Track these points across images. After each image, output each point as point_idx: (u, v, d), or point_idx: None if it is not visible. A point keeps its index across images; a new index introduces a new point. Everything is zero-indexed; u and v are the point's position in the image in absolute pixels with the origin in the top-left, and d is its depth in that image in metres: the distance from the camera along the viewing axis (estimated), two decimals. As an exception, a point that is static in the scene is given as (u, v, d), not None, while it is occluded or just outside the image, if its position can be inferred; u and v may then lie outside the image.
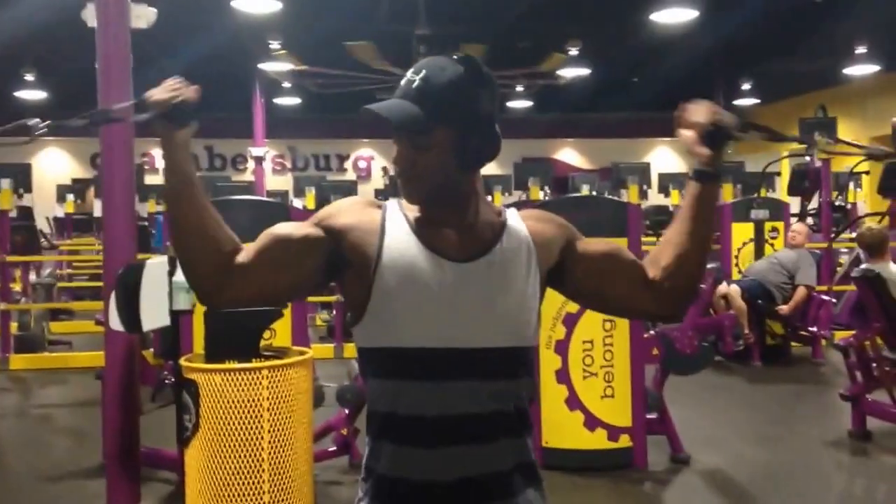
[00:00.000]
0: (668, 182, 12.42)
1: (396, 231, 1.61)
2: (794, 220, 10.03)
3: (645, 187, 10.59)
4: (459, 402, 1.57)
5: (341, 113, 19.21)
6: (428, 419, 1.57)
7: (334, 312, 9.47)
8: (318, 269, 1.62)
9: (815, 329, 8.47)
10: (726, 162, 13.67)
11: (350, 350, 8.58)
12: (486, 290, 1.59)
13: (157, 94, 1.56)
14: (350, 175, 20.81)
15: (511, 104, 18.57)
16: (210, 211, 1.58)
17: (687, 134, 1.67)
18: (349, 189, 10.51)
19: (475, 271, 1.60)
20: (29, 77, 15.90)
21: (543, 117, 19.61)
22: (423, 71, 1.59)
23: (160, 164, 22.18)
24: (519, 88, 17.07)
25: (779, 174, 12.93)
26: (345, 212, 1.65)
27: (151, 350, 6.95)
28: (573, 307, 4.96)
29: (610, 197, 9.06)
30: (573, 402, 5.08)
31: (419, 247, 1.59)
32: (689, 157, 1.68)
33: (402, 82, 1.61)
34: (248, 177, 18.84)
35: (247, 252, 1.60)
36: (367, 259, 1.59)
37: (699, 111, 1.67)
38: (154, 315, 4.34)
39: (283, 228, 1.64)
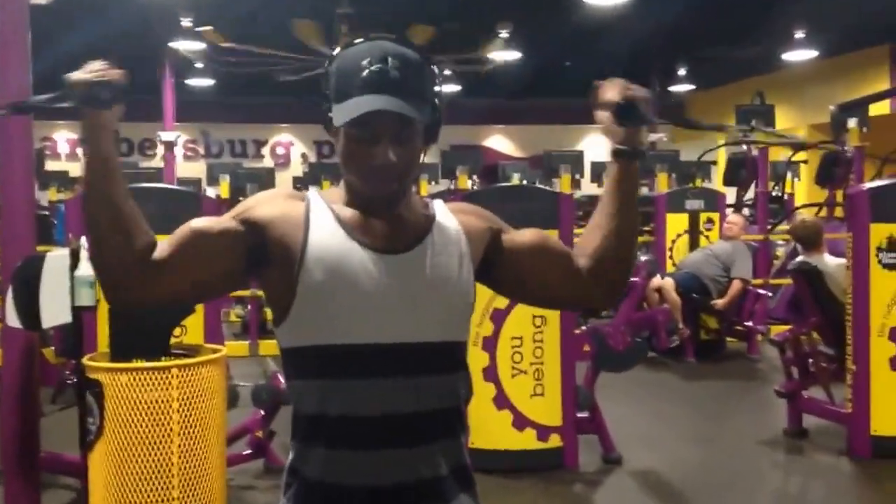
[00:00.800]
0: (602, 170, 12.57)
1: (322, 224, 1.62)
2: (729, 210, 10.24)
3: (577, 176, 10.70)
4: (396, 399, 1.59)
5: (258, 95, 19.08)
6: (364, 419, 1.58)
7: (249, 308, 9.40)
8: (237, 266, 1.62)
9: (750, 324, 8.68)
10: (659, 150, 13.94)
11: (266, 347, 8.54)
12: (419, 282, 1.61)
13: (77, 75, 1.54)
14: (268, 162, 20.60)
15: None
16: (129, 202, 1.56)
17: (601, 114, 1.70)
18: (266, 177, 10.41)
19: (407, 264, 1.62)
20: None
21: (473, 103, 19.61)
22: (392, 60, 1.58)
23: (63, 148, 21.67)
24: (447, 73, 17.11)
25: (714, 163, 13.18)
26: (265, 204, 1.64)
27: (52, 348, 6.82)
28: (501, 302, 5.02)
29: (541, 186, 9.16)
30: (501, 400, 5.14)
31: (347, 240, 1.61)
32: (608, 138, 1.71)
33: (371, 73, 1.58)
34: (157, 163, 18.49)
35: (162, 248, 1.59)
36: (292, 254, 1.59)
37: (611, 89, 1.69)
38: (55, 311, 4.27)
39: (201, 223, 1.63)
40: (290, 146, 21.51)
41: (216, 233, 1.61)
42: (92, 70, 1.55)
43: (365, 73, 1.58)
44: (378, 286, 1.59)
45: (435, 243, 1.65)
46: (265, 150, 21.47)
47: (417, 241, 1.64)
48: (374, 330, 1.59)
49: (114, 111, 1.56)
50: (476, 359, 5.05)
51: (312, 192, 1.70)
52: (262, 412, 5.03)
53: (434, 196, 1.86)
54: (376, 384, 1.59)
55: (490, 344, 5.13)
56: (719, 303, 8.47)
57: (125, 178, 1.60)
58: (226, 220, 1.64)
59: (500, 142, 22.37)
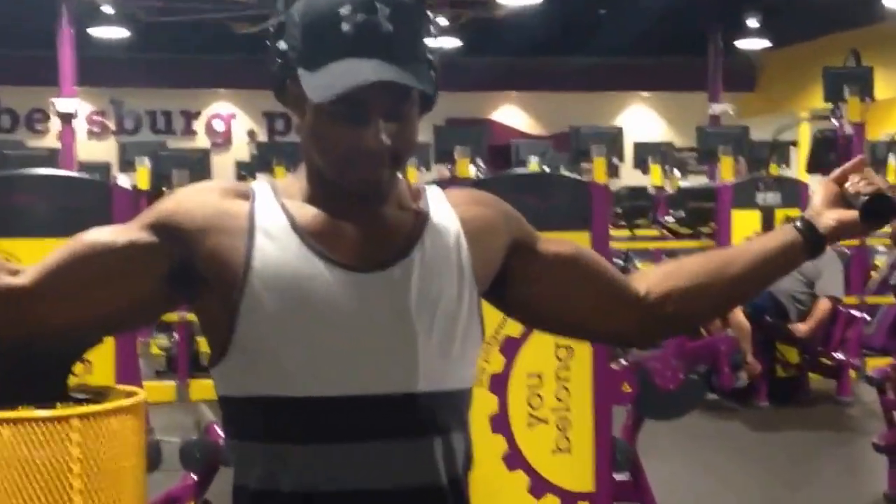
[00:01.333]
0: (648, 154, 12.60)
1: (272, 230, 1.61)
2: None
3: (615, 161, 10.73)
4: (371, 471, 1.59)
5: (189, 51, 19.06)
6: (324, 498, 1.58)
7: (176, 337, 9.36)
8: (154, 291, 1.62)
9: (841, 356, 8.68)
10: (722, 126, 13.95)
11: (200, 389, 8.50)
12: (403, 310, 1.60)
13: None
14: (201, 140, 20.64)
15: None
16: None
17: (844, 212, 1.75)
18: (199, 161, 10.38)
19: (387, 285, 1.61)
20: None
21: (477, 62, 19.65)
22: (380, 5, 1.55)
23: None
24: (443, 21, 17.13)
25: (795, 143, 13.22)
26: (193, 204, 1.63)
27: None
28: (515, 329, 4.99)
29: (567, 174, 9.15)
30: (514, 458, 5.11)
31: (305, 252, 1.60)
32: (818, 210, 1.77)
33: (355, 28, 1.54)
34: (50, 142, 18.45)
35: (35, 272, 1.58)
36: (230, 273, 1.59)
37: (856, 177, 1.76)
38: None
39: (99, 235, 1.62)
40: (232, 119, 21.52)
41: (118, 248, 1.60)
42: None
43: (346, 26, 1.54)
44: (346, 317, 1.58)
45: (427, 255, 1.64)
46: (198, 125, 21.47)
47: (403, 251, 1.63)
48: (341, 378, 1.58)
49: None
50: (481, 403, 5.01)
51: (260, 183, 1.68)
52: (194, 476, 5.00)
53: (430, 184, 1.85)
54: (343, 451, 1.58)
55: (499, 384, 5.10)
56: (801, 328, 8.47)
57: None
58: (135, 230, 1.62)
59: (512, 114, 22.42)
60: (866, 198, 1.71)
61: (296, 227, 1.61)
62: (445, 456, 1.63)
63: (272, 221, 1.61)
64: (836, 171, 1.78)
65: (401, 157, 1.61)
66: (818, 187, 1.79)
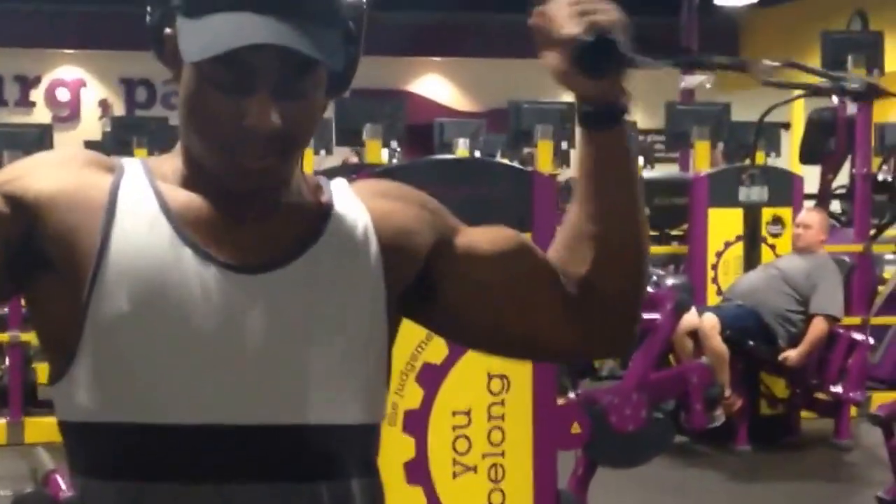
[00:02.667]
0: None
1: (137, 213, 1.61)
2: (809, 204, 10.35)
3: (564, 145, 10.74)
4: None
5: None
6: None
7: (7, 362, 9.24)
8: None
9: (840, 389, 8.73)
10: (697, 103, 14.05)
11: (36, 429, 8.43)
12: (292, 321, 1.62)
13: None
14: (41, 114, 20.35)
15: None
16: None
17: (551, 56, 1.71)
18: (38, 139, 10.26)
19: (274, 290, 1.62)
20: None
21: (392, 19, 19.62)
22: None
23: None
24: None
25: (787, 126, 13.32)
26: (45, 171, 1.63)
27: None
28: (436, 354, 5.01)
29: (503, 161, 9.13)
30: (434, 516, 5.14)
31: (176, 243, 1.60)
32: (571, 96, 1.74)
33: None
34: None
35: None
36: (82, 256, 1.59)
37: (564, 16, 1.67)
38: None
39: None
40: (81, 87, 21.27)
41: None
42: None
43: None
44: (221, 327, 1.59)
45: (326, 255, 1.65)
46: (37, 94, 21.20)
47: (297, 250, 1.64)
48: (212, 402, 1.58)
49: None
50: (394, 446, 5.03)
51: (131, 160, 1.69)
52: (29, 537, 4.98)
53: (330, 174, 1.86)
54: (211, 495, 1.58)
55: (417, 423, 5.11)
56: (792, 355, 8.53)
57: None
58: None
59: (436, 85, 22.40)
60: (581, 41, 1.65)
61: (165, 209, 1.62)
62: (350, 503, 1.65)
63: (139, 203, 1.62)
64: (540, 34, 1.72)
65: (294, 144, 1.61)
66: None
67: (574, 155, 2.00)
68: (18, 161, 1.68)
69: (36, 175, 1.62)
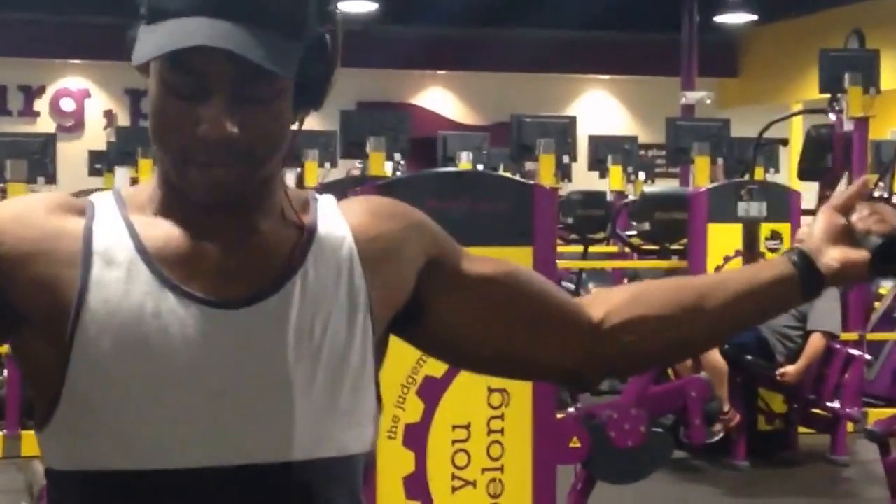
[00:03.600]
0: (607, 151, 12.65)
1: (112, 255, 1.60)
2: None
3: (566, 159, 10.77)
4: None
5: (31, 9, 18.82)
6: None
7: (5, 374, 9.27)
8: None
9: (837, 405, 8.74)
10: (698, 119, 14.08)
11: (34, 442, 8.39)
12: (276, 356, 1.60)
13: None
14: (45, 124, 20.46)
15: (343, 5, 18.54)
16: None
17: (849, 252, 1.76)
18: (42, 150, 10.26)
19: (257, 324, 1.61)
20: None
21: (397, 32, 19.70)
22: None
23: None
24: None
25: (785, 142, 13.37)
26: (15, 225, 1.61)
27: None
28: (437, 368, 4.99)
29: (506, 174, 9.13)
30: (433, 531, 5.11)
31: (152, 283, 1.59)
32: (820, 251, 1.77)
33: None
34: None
35: None
36: (59, 311, 1.58)
37: (868, 213, 1.76)
38: None
39: None
40: (86, 98, 21.41)
41: None
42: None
43: None
44: (205, 367, 1.58)
45: (310, 284, 1.64)
46: (41, 104, 21.34)
47: (279, 281, 1.63)
48: (198, 445, 1.57)
49: None
50: (394, 460, 5.01)
51: (101, 196, 1.66)
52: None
53: (322, 190, 1.83)
54: None
55: (417, 436, 5.08)
56: (789, 370, 8.53)
57: None
58: None
59: (440, 99, 22.56)
60: (880, 241, 1.72)
61: (142, 250, 1.60)
62: None
63: (113, 244, 1.60)
64: (841, 198, 1.78)
65: (260, 156, 1.59)
66: (819, 215, 1.79)
67: (761, 265, 2.01)
68: None
69: (7, 229, 1.60)
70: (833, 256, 1.75)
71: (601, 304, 1.78)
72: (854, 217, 1.77)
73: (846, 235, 1.76)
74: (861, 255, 1.74)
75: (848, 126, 10.62)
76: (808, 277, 1.77)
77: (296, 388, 1.59)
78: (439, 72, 22.26)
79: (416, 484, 5.10)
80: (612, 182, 12.65)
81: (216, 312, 1.58)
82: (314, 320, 1.61)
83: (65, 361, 1.56)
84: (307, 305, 1.62)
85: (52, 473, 1.64)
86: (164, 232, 1.61)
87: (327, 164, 11.86)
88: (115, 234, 1.61)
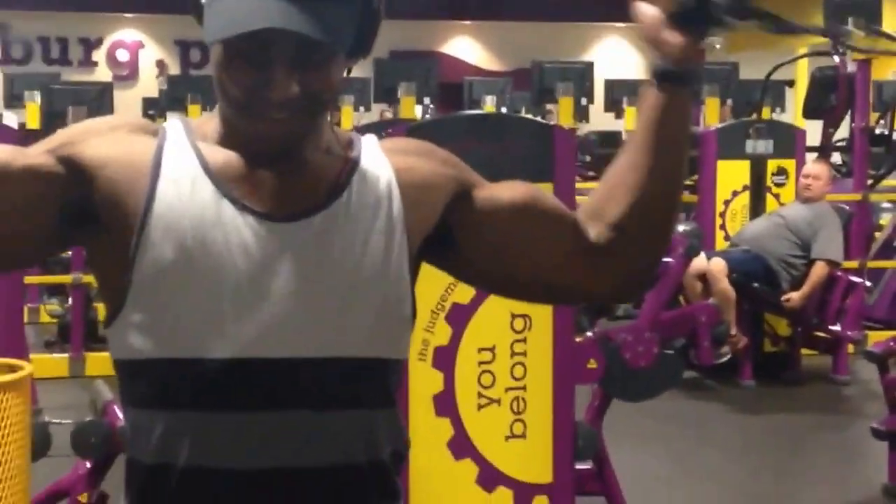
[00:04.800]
0: (622, 93, 12.59)
1: (179, 171, 1.64)
2: (811, 157, 10.31)
3: (584, 101, 10.74)
4: (277, 446, 1.61)
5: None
6: (225, 475, 1.61)
7: (70, 301, 9.33)
8: (45, 222, 1.64)
9: (838, 328, 8.73)
10: (708, 63, 13.96)
11: (97, 363, 8.48)
12: (321, 264, 1.63)
13: None
14: (103, 73, 20.48)
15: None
16: None
17: (648, 13, 1.71)
18: (100, 96, 10.31)
19: (305, 236, 1.64)
20: None
21: (424, -14, 19.61)
22: None
23: None
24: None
25: (791, 84, 13.26)
26: (97, 137, 1.66)
27: None
28: (464, 294, 5.00)
29: (527, 116, 9.11)
30: (462, 445, 5.13)
31: (215, 196, 1.63)
32: (649, 50, 1.73)
33: None
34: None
35: None
36: (129, 216, 1.62)
37: None
38: None
39: None
40: (139, 49, 21.38)
41: (17, 170, 1.62)
42: None
43: None
44: (258, 270, 1.61)
45: (353, 206, 1.67)
46: (99, 55, 21.31)
47: (326, 201, 1.66)
48: (248, 338, 1.60)
49: None
50: (424, 380, 5.04)
51: (172, 122, 1.72)
52: (89, 464, 4.99)
53: (362, 130, 1.87)
54: (246, 421, 1.61)
55: (445, 358, 5.11)
56: (794, 296, 8.53)
57: None
58: (35, 153, 1.65)
59: (466, 47, 22.42)
60: (684, 4, 1.67)
61: (206, 167, 1.65)
62: (363, 434, 1.66)
63: (180, 162, 1.65)
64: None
65: (317, 107, 1.64)
66: (642, 33, 1.74)
67: (639, 108, 1.98)
68: (72, 126, 1.71)
69: (89, 141, 1.66)
70: (662, 43, 1.70)
71: (589, 227, 1.76)
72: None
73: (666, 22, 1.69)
74: (677, 34, 1.69)
75: (851, 67, 10.56)
76: (669, 82, 1.71)
77: (338, 292, 1.63)
78: (465, 22, 22.13)
79: (445, 402, 5.13)
80: (627, 123, 12.55)
81: (269, 224, 1.62)
82: (355, 236, 1.65)
83: (132, 263, 1.60)
84: (350, 223, 1.65)
85: (119, 364, 1.67)
86: (225, 156, 1.66)
87: (361, 109, 11.87)
88: (182, 154, 1.65)
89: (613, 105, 12.61)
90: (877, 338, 7.81)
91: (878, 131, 11.28)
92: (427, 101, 10.74)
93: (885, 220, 10.85)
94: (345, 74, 1.68)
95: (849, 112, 10.72)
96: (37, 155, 1.65)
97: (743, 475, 6.57)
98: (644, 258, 1.80)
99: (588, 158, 11.76)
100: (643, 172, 1.73)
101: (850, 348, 8.76)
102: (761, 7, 1.76)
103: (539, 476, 5.17)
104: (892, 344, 6.14)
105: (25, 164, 1.63)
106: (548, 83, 10.43)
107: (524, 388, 5.16)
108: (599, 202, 1.77)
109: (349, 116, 11.20)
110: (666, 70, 1.71)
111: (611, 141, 12.31)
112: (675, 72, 1.71)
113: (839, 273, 8.69)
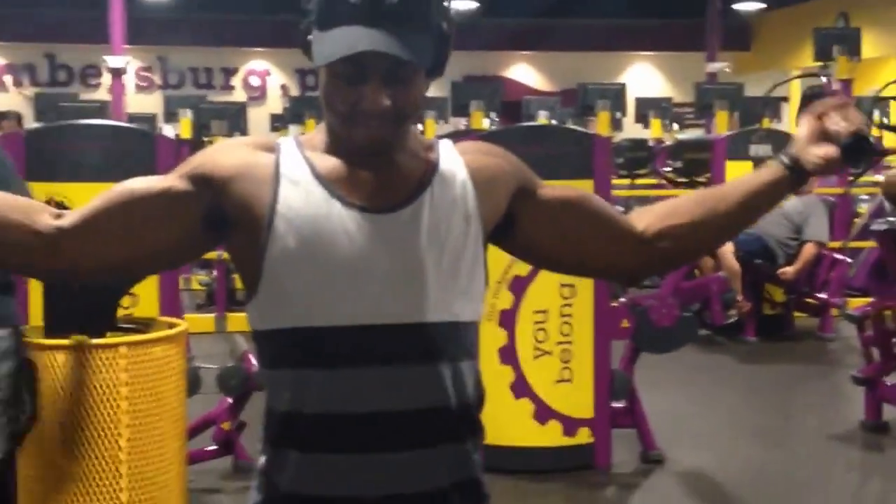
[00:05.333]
0: (648, 109, 12.52)
1: (295, 178, 1.64)
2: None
3: (618, 115, 10.69)
4: (384, 394, 1.62)
5: (229, 11, 18.97)
6: (344, 418, 1.62)
7: (215, 273, 9.43)
8: (188, 234, 1.66)
9: (824, 296, 8.69)
10: (720, 83, 13.85)
11: (235, 322, 8.56)
12: (413, 247, 1.63)
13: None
14: (239, 95, 20.54)
15: (454, 4, 18.43)
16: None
17: (821, 148, 1.71)
18: (236, 113, 10.36)
19: (398, 224, 1.64)
20: None
21: (492, 23, 19.52)
22: None
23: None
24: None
25: (786, 99, 13.13)
26: (224, 156, 1.67)
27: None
28: (523, 268, 5.02)
29: (571, 126, 9.10)
30: (521, 387, 5.15)
31: (325, 196, 1.63)
32: (800, 146, 1.73)
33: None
34: (102, 95, 18.47)
35: (76, 215, 1.63)
36: (258, 216, 1.63)
37: (837, 116, 1.71)
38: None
39: (136, 183, 1.66)
40: (267, 76, 21.43)
41: (155, 194, 1.65)
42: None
43: None
44: (363, 254, 1.62)
45: (436, 197, 1.66)
46: (236, 81, 21.39)
47: (413, 195, 1.66)
48: (358, 309, 1.61)
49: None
50: (491, 336, 5.07)
51: (286, 139, 1.72)
52: (230, 400, 5.05)
53: (441, 137, 1.88)
54: (359, 376, 1.61)
55: (508, 319, 5.13)
56: (788, 270, 8.47)
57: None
58: (170, 179, 1.67)
59: (525, 72, 22.28)
60: (849, 139, 1.67)
61: (316, 174, 1.65)
62: (454, 381, 1.66)
63: (295, 171, 1.65)
64: (818, 107, 1.74)
65: (404, 117, 1.63)
66: (801, 122, 1.75)
67: (755, 170, 1.98)
68: (203, 151, 1.71)
69: (219, 159, 1.66)
70: (814, 153, 1.71)
71: (643, 219, 1.77)
72: (828, 121, 1.71)
73: (824, 136, 1.71)
74: (835, 150, 1.69)
75: (836, 86, 10.44)
76: (795, 173, 1.73)
77: (427, 270, 1.63)
78: (524, 52, 22.01)
79: (508, 353, 5.16)
80: (653, 131, 12.49)
81: (370, 216, 1.62)
82: (439, 224, 1.64)
83: (262, 254, 1.61)
84: (434, 213, 1.64)
85: (256, 333, 1.69)
86: (331, 163, 1.66)
87: (441, 121, 11.93)
88: (296, 164, 1.66)
89: (642, 118, 12.56)
90: (856, 303, 7.72)
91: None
92: (493, 115, 10.72)
93: (862, 209, 10.74)
94: (425, 93, 1.68)
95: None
96: (172, 179, 1.66)
97: (748, 412, 6.54)
98: (684, 256, 1.85)
99: (621, 161, 11.68)
100: (725, 210, 1.74)
101: (835, 312, 8.68)
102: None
103: (583, 412, 5.19)
104: (867, 308, 6.08)
105: (164, 188, 1.64)
106: (589, 100, 10.38)
107: (570, 342, 5.18)
108: (671, 208, 1.78)
109: (432, 128, 11.23)
110: (805, 168, 1.72)
111: (639, 146, 12.18)
112: (808, 172, 1.72)
113: (825, 251, 8.69)
